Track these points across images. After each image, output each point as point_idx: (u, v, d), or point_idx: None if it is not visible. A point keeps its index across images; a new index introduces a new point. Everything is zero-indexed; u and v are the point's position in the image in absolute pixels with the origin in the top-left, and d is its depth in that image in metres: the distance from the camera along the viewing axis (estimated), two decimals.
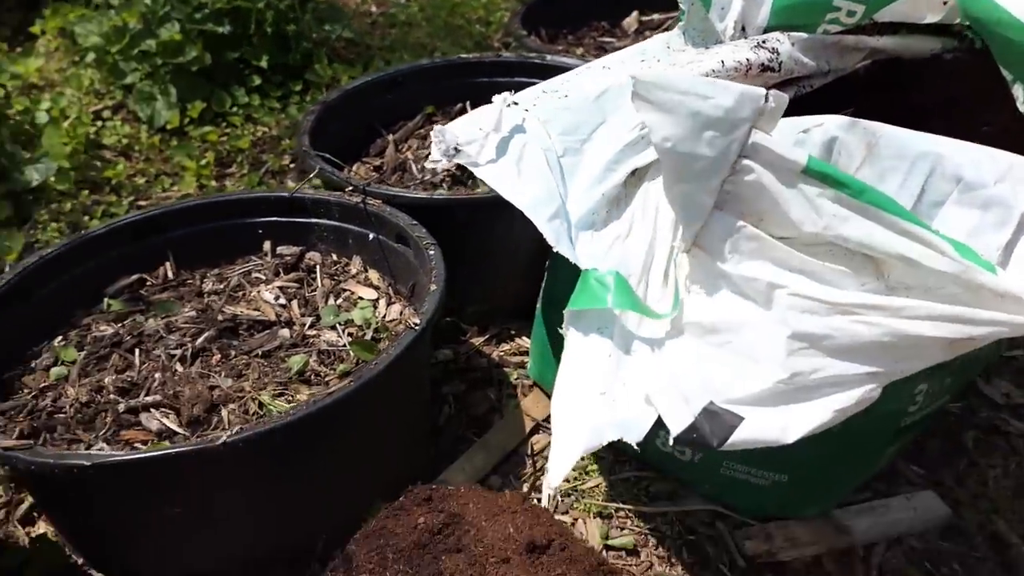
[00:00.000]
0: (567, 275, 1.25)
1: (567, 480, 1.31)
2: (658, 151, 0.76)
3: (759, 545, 1.19)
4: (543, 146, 0.96)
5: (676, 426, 0.73)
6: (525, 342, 1.57)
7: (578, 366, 0.81)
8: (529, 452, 1.36)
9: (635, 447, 0.77)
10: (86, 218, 1.96)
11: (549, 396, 1.43)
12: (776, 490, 1.17)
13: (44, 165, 2.00)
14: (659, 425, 1.16)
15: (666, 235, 0.87)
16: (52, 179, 2.00)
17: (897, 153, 0.85)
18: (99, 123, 2.36)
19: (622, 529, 1.24)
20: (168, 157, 2.23)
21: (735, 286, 0.80)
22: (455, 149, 0.97)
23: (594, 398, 0.78)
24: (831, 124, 0.87)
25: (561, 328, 0.87)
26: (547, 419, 1.41)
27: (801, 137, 0.87)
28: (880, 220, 0.74)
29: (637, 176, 0.98)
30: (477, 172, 0.97)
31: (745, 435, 0.73)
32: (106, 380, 1.19)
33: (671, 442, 0.74)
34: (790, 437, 0.73)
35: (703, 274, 0.81)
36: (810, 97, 1.16)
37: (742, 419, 0.73)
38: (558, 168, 0.96)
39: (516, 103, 1.01)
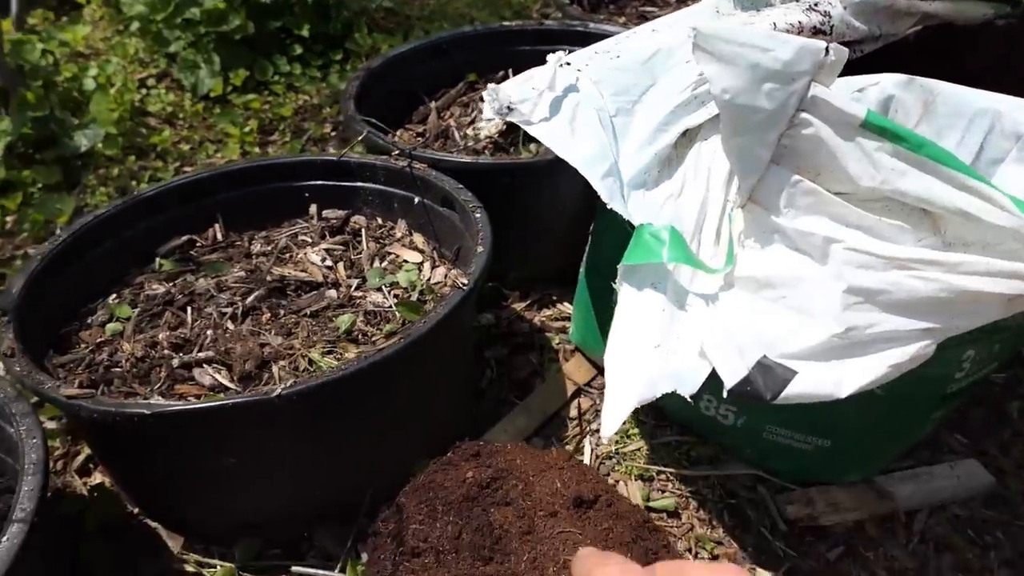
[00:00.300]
0: (611, 240, 1.26)
1: (609, 443, 1.32)
2: (717, 103, 0.76)
3: (800, 509, 1.19)
4: (596, 106, 0.97)
5: (730, 378, 0.74)
6: (567, 308, 1.58)
7: (632, 320, 0.82)
8: (570, 415, 1.38)
9: (687, 399, 0.77)
10: (133, 183, 2.00)
11: (591, 361, 1.45)
12: (819, 455, 1.17)
13: (92, 131, 2.03)
14: (704, 388, 1.17)
15: (718, 195, 0.87)
16: (100, 145, 2.04)
17: (955, 111, 0.84)
18: (144, 91, 2.39)
19: (663, 492, 1.25)
20: (212, 124, 2.25)
21: (790, 241, 0.80)
22: (508, 107, 0.98)
23: (648, 351, 0.79)
24: (887, 82, 0.86)
25: (613, 282, 0.87)
26: (589, 383, 1.42)
27: (857, 96, 0.87)
28: (939, 174, 0.74)
29: (688, 137, 0.98)
30: (530, 130, 0.98)
31: (799, 389, 0.73)
32: (160, 336, 1.22)
33: (725, 394, 0.75)
34: (844, 391, 0.73)
35: (758, 229, 0.82)
36: (860, 63, 1.15)
37: (796, 373, 0.73)
38: (610, 128, 0.96)
39: (569, 63, 1.01)
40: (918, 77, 0.86)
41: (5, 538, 0.83)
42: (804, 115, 0.76)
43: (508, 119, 0.99)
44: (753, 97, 0.75)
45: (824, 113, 0.76)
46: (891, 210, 0.78)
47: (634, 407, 0.77)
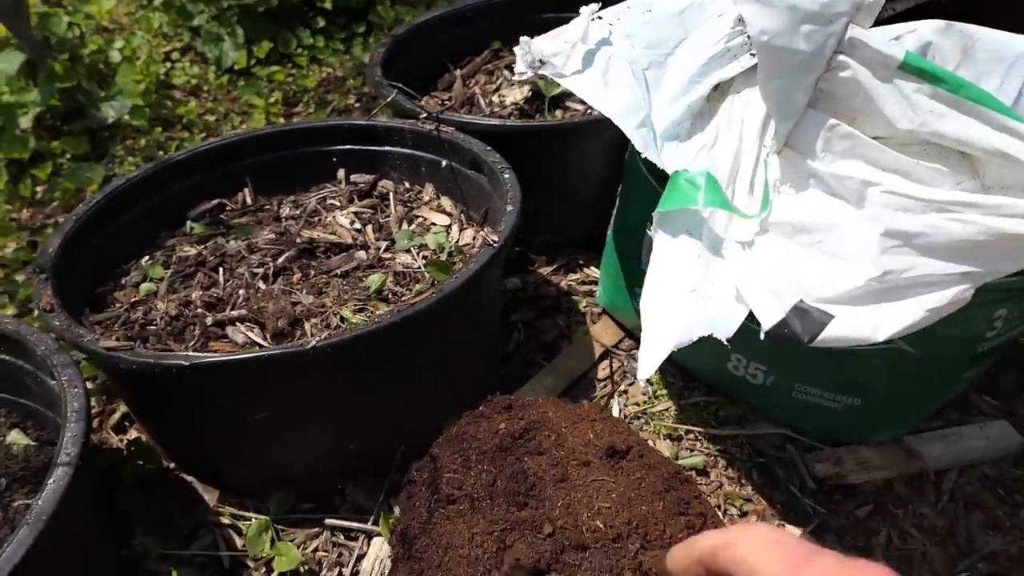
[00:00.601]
0: (639, 201, 1.26)
1: (636, 404, 1.33)
2: (755, 45, 0.76)
3: (829, 468, 1.20)
4: (628, 59, 0.97)
5: (767, 321, 0.74)
6: (593, 272, 1.59)
7: (667, 266, 0.82)
8: (598, 377, 1.38)
9: (720, 351, 0.78)
10: (160, 153, 2.01)
11: (618, 323, 1.45)
12: (848, 414, 1.17)
13: (119, 102, 2.05)
14: (734, 344, 1.17)
15: (752, 145, 0.87)
16: (127, 116, 2.05)
17: (994, 56, 0.83)
18: (168, 64, 2.40)
19: (691, 451, 1.26)
20: (236, 96, 2.27)
21: (827, 185, 0.80)
22: (540, 61, 0.98)
23: (684, 296, 0.79)
24: (925, 29, 0.86)
25: (649, 229, 0.87)
26: (616, 345, 1.43)
27: (894, 43, 0.86)
28: (978, 115, 0.73)
29: (720, 91, 0.98)
30: (563, 83, 0.98)
31: (836, 332, 0.73)
32: (193, 296, 1.23)
33: (762, 337, 0.75)
34: (881, 335, 0.73)
35: (794, 174, 0.82)
36: (893, 21, 1.14)
37: (832, 317, 0.73)
38: (643, 80, 0.96)
39: (601, 17, 1.01)
40: (956, 23, 0.85)
41: (51, 480, 0.85)
42: (842, 57, 0.76)
43: (541, 71, 0.99)
44: (791, 39, 0.75)
45: (862, 55, 0.75)
46: (929, 153, 0.78)
47: (670, 351, 0.78)
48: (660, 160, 0.91)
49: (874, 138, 0.79)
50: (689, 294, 0.79)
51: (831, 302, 0.75)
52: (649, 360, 0.79)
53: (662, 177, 1.17)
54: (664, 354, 0.78)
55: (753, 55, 0.89)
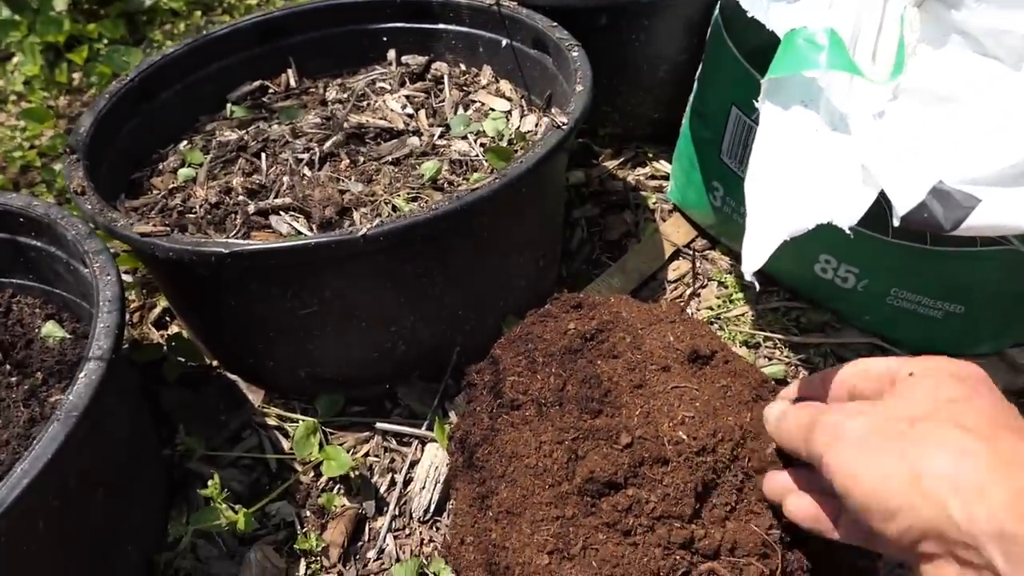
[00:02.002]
0: (722, 82, 1.13)
1: (710, 308, 1.22)
2: None
3: None
4: None
5: (902, 205, 0.63)
6: (663, 166, 1.46)
7: (778, 144, 0.70)
8: (668, 278, 1.28)
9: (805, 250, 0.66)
10: None
11: (691, 221, 1.34)
12: (949, 323, 1.06)
13: None
14: (822, 247, 1.05)
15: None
16: None
17: None
18: None
19: (770, 359, 1.16)
20: None
21: (977, 43, 0.67)
22: None
23: (798, 178, 0.68)
24: None
25: (755, 101, 0.75)
26: (688, 244, 1.32)
27: None
28: None
29: None
30: None
31: (983, 219, 0.62)
32: (234, 182, 1.14)
33: (895, 222, 0.64)
34: None
35: (937, 30, 0.69)
36: None
37: (980, 200, 0.62)
38: None
39: None
40: None
41: (83, 374, 0.78)
42: None
43: None
44: None
45: None
46: None
47: (783, 241, 0.67)
48: (768, 21, 0.78)
49: None
50: (804, 175, 0.67)
51: (978, 183, 0.63)
52: (756, 253, 0.68)
53: (753, 54, 1.04)
54: (774, 245, 0.67)
55: None
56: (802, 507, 0.65)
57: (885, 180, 0.63)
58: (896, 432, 0.50)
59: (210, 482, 0.86)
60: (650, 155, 1.49)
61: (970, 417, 0.48)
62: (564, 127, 1.01)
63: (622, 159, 1.49)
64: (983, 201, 0.62)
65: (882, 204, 0.69)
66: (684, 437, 0.76)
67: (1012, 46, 0.65)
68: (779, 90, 0.72)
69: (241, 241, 0.91)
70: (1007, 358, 1.11)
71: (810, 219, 0.65)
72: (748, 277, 0.69)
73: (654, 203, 1.39)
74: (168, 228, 0.98)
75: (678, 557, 0.72)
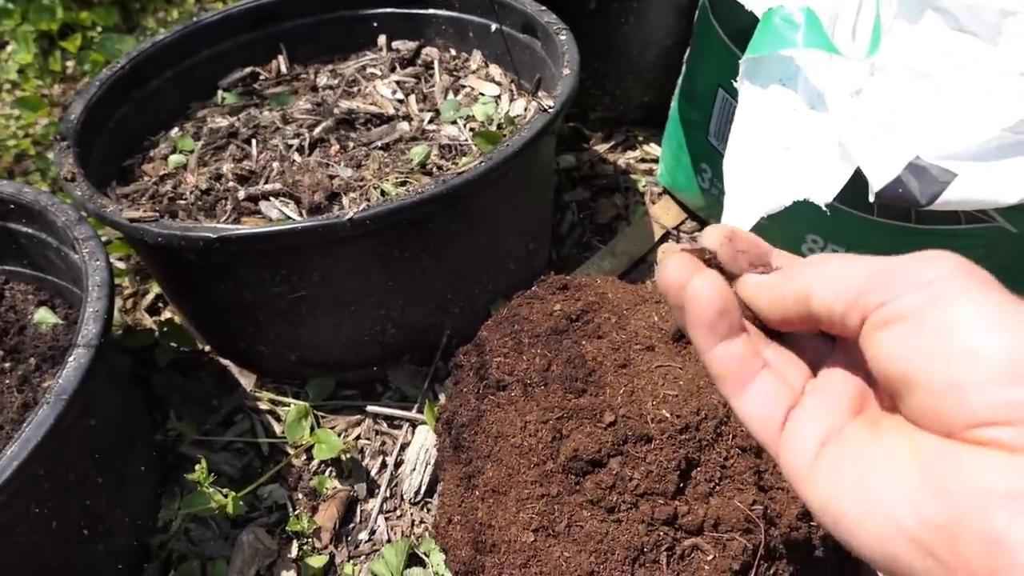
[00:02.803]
0: (710, 65, 1.13)
1: None
2: None
3: None
4: None
5: (878, 180, 0.63)
6: (653, 149, 1.47)
7: (756, 121, 0.71)
8: (658, 260, 1.28)
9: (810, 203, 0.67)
10: None
11: (680, 204, 1.34)
12: None
13: None
14: (808, 226, 1.06)
15: None
16: None
17: None
18: None
19: None
20: None
21: (953, 19, 0.67)
22: None
23: (776, 155, 0.68)
24: None
25: (734, 81, 0.76)
26: (678, 226, 1.32)
27: None
28: None
29: None
30: None
31: (959, 193, 0.62)
32: (224, 168, 1.15)
33: (871, 198, 0.64)
34: (1014, 196, 0.62)
35: (913, 7, 0.69)
36: None
37: (956, 175, 0.62)
38: None
39: None
40: None
41: (72, 358, 0.79)
42: None
43: None
44: None
45: None
46: None
47: (759, 218, 0.67)
48: (747, 0, 0.78)
49: None
50: (782, 152, 0.68)
51: (954, 158, 0.63)
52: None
53: (738, 36, 1.05)
54: (751, 222, 0.67)
55: None
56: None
57: (861, 156, 0.64)
58: None
59: (197, 467, 0.87)
60: (640, 139, 1.49)
61: None
62: (550, 110, 1.01)
63: (612, 143, 1.49)
64: (959, 176, 0.62)
65: (865, 182, 0.69)
66: (667, 415, 0.77)
67: (988, 21, 0.66)
68: (758, 69, 0.72)
69: (229, 226, 0.91)
70: None
71: (787, 196, 0.66)
72: None
73: (644, 186, 1.40)
74: (158, 214, 0.98)
75: (662, 533, 0.73)
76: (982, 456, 0.30)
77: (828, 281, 0.36)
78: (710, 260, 0.39)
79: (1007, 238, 0.94)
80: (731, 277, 0.40)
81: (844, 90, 0.67)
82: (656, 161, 1.44)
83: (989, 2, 0.65)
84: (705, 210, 1.28)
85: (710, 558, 0.72)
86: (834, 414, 0.37)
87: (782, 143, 0.68)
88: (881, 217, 0.98)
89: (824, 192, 0.64)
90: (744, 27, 0.98)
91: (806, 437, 0.36)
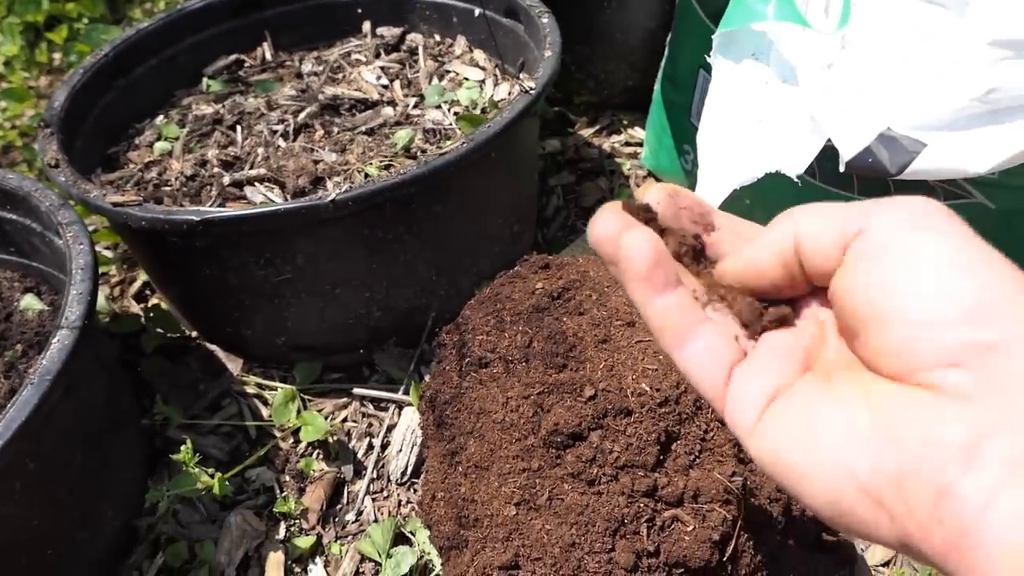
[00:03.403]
0: (692, 47, 1.14)
1: None
2: None
3: None
4: None
5: (848, 150, 0.64)
6: (638, 133, 1.47)
7: (730, 95, 0.71)
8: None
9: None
10: None
11: None
12: None
13: None
14: (795, 192, 1.06)
15: None
16: None
17: None
18: None
19: None
20: None
21: None
22: None
23: (749, 127, 0.69)
24: None
25: (707, 55, 0.76)
26: None
27: None
28: None
29: None
30: None
31: (928, 163, 0.63)
32: (209, 155, 1.15)
33: (842, 167, 0.65)
34: (982, 166, 0.62)
35: None
36: None
37: (925, 145, 0.63)
38: None
39: None
40: None
41: (56, 339, 0.79)
42: None
43: None
44: None
45: None
46: None
47: (732, 190, 0.68)
48: None
49: None
50: (755, 125, 0.68)
51: (924, 128, 0.64)
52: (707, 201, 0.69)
53: (718, 17, 1.05)
54: (725, 194, 0.68)
55: None
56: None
57: (832, 128, 0.64)
58: None
59: (183, 447, 0.88)
60: (625, 122, 1.49)
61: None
62: (532, 92, 1.02)
63: (597, 127, 1.50)
64: (929, 145, 0.63)
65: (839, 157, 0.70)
66: (647, 389, 0.77)
67: None
68: (731, 44, 0.73)
69: (212, 209, 0.92)
70: None
71: (759, 168, 0.66)
72: None
73: (629, 169, 1.40)
74: (142, 199, 0.99)
75: (642, 505, 0.73)
76: (937, 405, 0.30)
77: (814, 214, 0.36)
78: (650, 218, 0.39)
79: (986, 214, 0.95)
80: (671, 234, 0.39)
81: (815, 63, 0.68)
82: (641, 144, 1.45)
83: None
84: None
85: (690, 529, 0.73)
86: (783, 369, 0.36)
87: (755, 116, 0.69)
88: (860, 195, 0.99)
89: (796, 164, 0.65)
90: (723, 8, 0.98)
91: (752, 391, 0.36)
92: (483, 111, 1.20)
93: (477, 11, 1.31)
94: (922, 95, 0.65)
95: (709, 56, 0.74)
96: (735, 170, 0.68)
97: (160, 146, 1.19)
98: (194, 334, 1.19)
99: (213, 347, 1.17)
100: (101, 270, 1.20)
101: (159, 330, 1.15)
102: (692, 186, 1.25)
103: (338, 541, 0.96)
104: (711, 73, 1.08)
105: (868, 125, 0.64)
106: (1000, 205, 0.94)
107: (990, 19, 0.64)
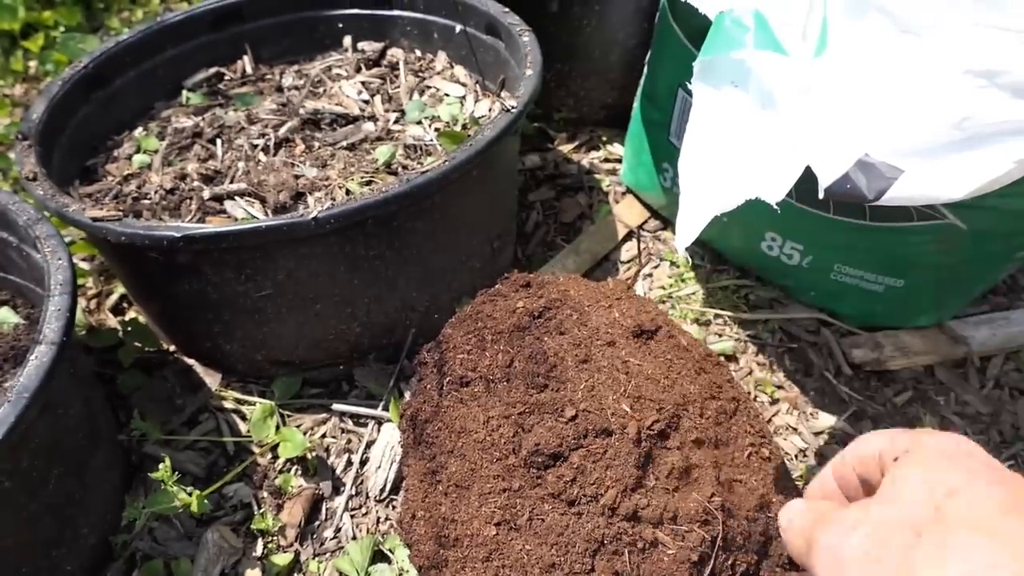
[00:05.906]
0: (670, 66, 1.15)
1: (662, 287, 1.25)
2: None
3: (867, 353, 1.12)
4: None
5: (827, 176, 0.65)
6: (617, 149, 1.49)
7: (710, 122, 0.72)
8: (622, 259, 1.30)
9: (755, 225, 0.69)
10: None
11: (644, 203, 1.36)
12: (889, 297, 1.09)
13: None
14: (767, 224, 1.08)
15: None
16: None
17: None
18: None
19: (720, 336, 1.18)
20: None
21: (895, 19, 0.69)
22: None
23: (729, 155, 0.70)
24: None
25: (689, 82, 0.77)
26: (641, 225, 1.34)
27: None
28: None
29: None
30: None
31: (905, 189, 0.64)
32: (189, 168, 1.15)
33: (820, 194, 0.66)
34: (958, 193, 0.64)
35: (855, 8, 0.71)
36: None
37: (902, 171, 0.64)
38: None
39: None
40: None
41: (34, 356, 0.79)
42: None
43: None
44: None
45: None
46: None
47: (714, 216, 0.69)
48: (700, 3, 0.80)
49: None
50: (734, 152, 0.70)
51: (900, 154, 0.65)
52: (688, 228, 0.70)
53: (696, 37, 1.07)
54: (706, 220, 0.69)
55: None
56: None
57: (810, 154, 0.66)
58: (901, 547, 0.42)
59: (161, 465, 0.87)
60: (604, 139, 1.51)
61: (976, 509, 0.42)
62: (513, 110, 1.02)
63: (577, 143, 1.51)
64: (906, 172, 0.64)
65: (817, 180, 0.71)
66: (627, 410, 0.78)
67: (926, 21, 0.67)
68: (711, 71, 0.74)
69: (193, 225, 0.91)
70: (946, 330, 1.15)
71: (739, 195, 0.67)
72: (680, 252, 0.71)
73: (608, 186, 1.42)
74: (121, 213, 0.98)
75: (622, 525, 0.74)
76: None
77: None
78: None
79: (958, 234, 0.97)
80: None
81: (793, 90, 0.69)
82: (619, 161, 1.46)
83: (927, 4, 0.67)
84: (667, 209, 1.31)
85: (670, 550, 0.74)
86: None
87: (734, 144, 0.70)
88: (837, 215, 1.01)
89: (775, 190, 0.66)
90: (702, 28, 0.99)
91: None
92: (464, 127, 1.21)
93: (458, 28, 1.32)
94: (899, 122, 0.66)
95: (689, 81, 0.75)
96: (716, 197, 0.69)
97: (139, 159, 1.18)
98: (172, 348, 1.18)
99: (191, 361, 1.16)
100: (78, 282, 1.19)
101: (136, 344, 1.14)
102: (670, 202, 1.27)
103: (316, 558, 0.96)
104: (690, 92, 1.10)
105: (846, 151, 0.65)
106: (972, 225, 0.96)
107: (964, 48, 0.66)
